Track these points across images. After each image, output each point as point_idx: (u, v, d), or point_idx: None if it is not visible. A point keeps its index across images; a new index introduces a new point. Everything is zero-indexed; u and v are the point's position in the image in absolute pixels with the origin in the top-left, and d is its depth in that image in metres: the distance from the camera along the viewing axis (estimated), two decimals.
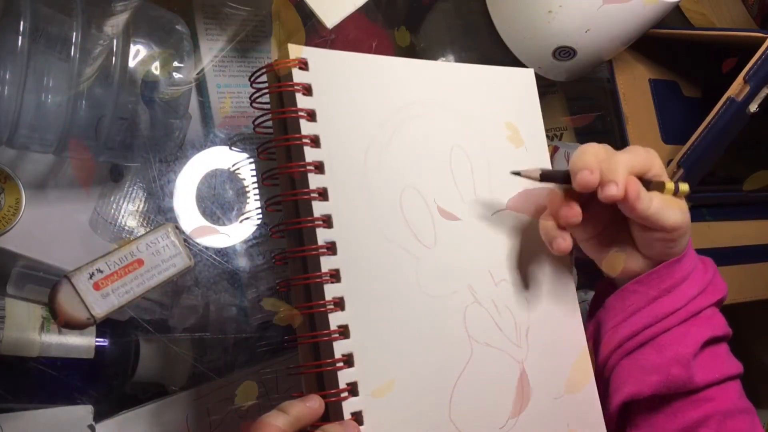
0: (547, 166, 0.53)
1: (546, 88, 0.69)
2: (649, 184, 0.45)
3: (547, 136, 0.65)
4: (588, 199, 0.45)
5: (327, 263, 0.41)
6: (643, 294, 0.48)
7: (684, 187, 0.46)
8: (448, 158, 0.47)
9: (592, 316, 0.52)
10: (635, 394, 0.47)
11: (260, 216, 0.55)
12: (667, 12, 0.60)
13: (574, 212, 0.44)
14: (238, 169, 0.55)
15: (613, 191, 0.43)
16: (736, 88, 0.59)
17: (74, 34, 0.43)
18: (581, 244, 0.49)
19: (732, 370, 0.48)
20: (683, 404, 0.47)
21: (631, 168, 0.44)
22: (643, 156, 0.45)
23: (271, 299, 0.42)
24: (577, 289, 0.52)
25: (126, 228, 0.52)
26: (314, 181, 0.41)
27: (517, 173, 0.46)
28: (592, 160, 0.43)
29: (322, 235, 0.41)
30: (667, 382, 0.46)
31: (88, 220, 0.52)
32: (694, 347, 0.46)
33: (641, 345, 0.47)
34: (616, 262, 0.48)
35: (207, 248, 0.54)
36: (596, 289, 0.54)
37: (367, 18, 0.61)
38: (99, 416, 0.51)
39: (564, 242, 0.45)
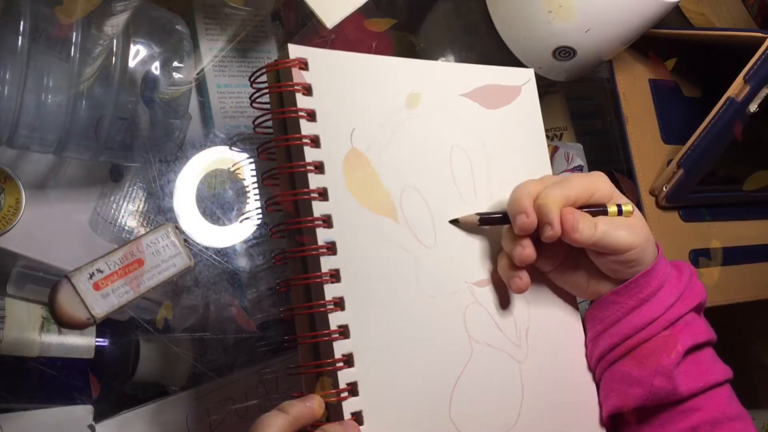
0: (547, 166, 0.53)
1: (546, 88, 0.69)
2: (592, 209, 0.45)
3: (547, 136, 0.65)
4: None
5: (327, 263, 0.41)
6: (621, 304, 0.47)
7: (627, 207, 0.46)
8: (448, 158, 0.47)
9: None
10: (620, 407, 0.47)
11: (260, 216, 0.55)
12: (667, 12, 0.60)
13: (527, 252, 0.44)
14: (238, 169, 0.55)
15: (549, 233, 0.43)
16: (736, 88, 0.59)
17: (74, 34, 0.43)
18: (548, 276, 0.49)
19: (718, 376, 0.47)
20: (670, 415, 0.46)
21: (565, 201, 0.44)
22: (582, 185, 0.45)
23: None
24: None
25: (126, 228, 0.52)
26: (314, 181, 0.41)
27: (455, 221, 0.46)
28: (527, 201, 0.44)
29: (322, 235, 0.41)
30: (651, 395, 0.46)
31: (88, 220, 0.52)
32: (676, 357, 0.45)
33: (622, 356, 0.47)
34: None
35: (207, 248, 0.54)
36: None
37: (367, 18, 0.61)
38: (99, 416, 0.51)
39: (521, 281, 0.45)
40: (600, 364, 0.49)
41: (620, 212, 0.46)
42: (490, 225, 0.47)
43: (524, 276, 0.45)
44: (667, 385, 0.45)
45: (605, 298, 0.48)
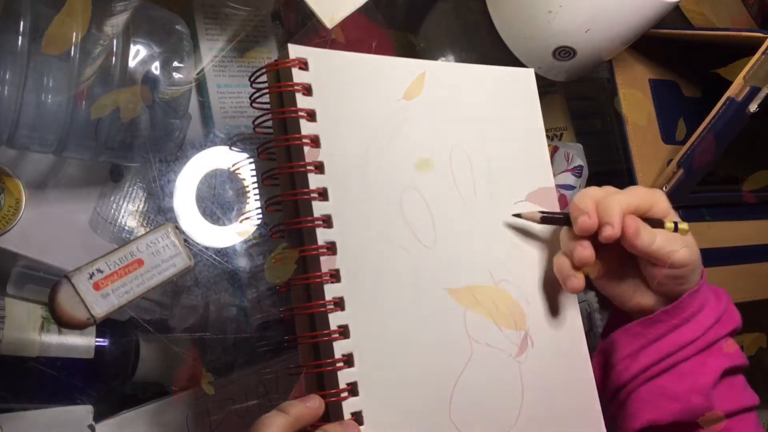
0: (547, 166, 0.53)
1: (546, 88, 0.69)
2: (650, 222, 0.46)
3: (547, 136, 0.65)
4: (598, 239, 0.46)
5: (327, 263, 0.41)
6: (665, 323, 0.48)
7: (684, 226, 0.47)
8: (448, 158, 0.47)
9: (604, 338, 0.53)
10: (655, 421, 0.48)
11: (260, 216, 0.55)
12: (667, 12, 0.60)
13: (588, 253, 0.45)
14: (238, 169, 0.55)
15: (608, 232, 0.44)
16: (736, 88, 0.59)
17: (74, 34, 0.43)
18: (594, 282, 0.50)
19: (749, 401, 0.48)
20: None
21: (627, 207, 0.45)
22: (643, 195, 0.47)
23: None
24: None
25: (126, 228, 0.52)
26: (314, 181, 0.41)
27: (518, 215, 0.48)
28: (590, 204, 0.45)
29: (322, 235, 0.41)
30: (687, 411, 0.46)
31: (88, 220, 0.52)
32: (713, 377, 0.47)
33: (662, 372, 0.48)
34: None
35: (207, 248, 0.54)
36: (610, 316, 0.55)
37: (367, 18, 0.61)
38: (99, 416, 0.51)
39: (577, 281, 0.46)
40: (638, 378, 0.49)
41: (676, 230, 0.46)
42: (552, 224, 0.48)
43: (581, 276, 0.46)
44: (704, 402, 0.46)
45: (654, 317, 0.48)
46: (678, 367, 0.47)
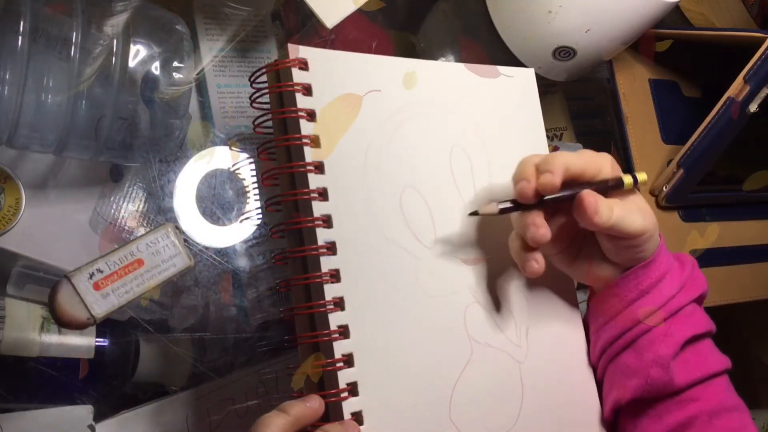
0: None
1: (546, 88, 0.69)
2: (607, 184, 0.44)
3: (547, 136, 0.65)
4: (551, 215, 0.45)
5: (327, 263, 0.41)
6: (621, 297, 0.47)
7: (642, 176, 0.45)
8: (448, 158, 0.47)
9: None
10: (618, 399, 0.47)
11: (260, 216, 0.55)
12: (667, 12, 0.60)
13: (541, 232, 0.42)
14: (238, 169, 0.55)
15: (547, 179, 0.42)
16: (736, 88, 0.59)
17: (74, 34, 0.43)
18: (550, 259, 0.48)
19: (716, 366, 0.47)
20: (668, 406, 0.46)
21: (570, 164, 0.43)
22: (589, 157, 0.45)
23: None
24: (577, 289, 0.52)
25: (126, 228, 0.52)
26: (314, 181, 0.41)
27: (475, 213, 0.45)
28: (530, 170, 0.43)
29: (322, 235, 0.41)
30: (647, 386, 0.46)
31: (88, 220, 0.52)
32: (674, 348, 0.45)
33: (623, 349, 0.47)
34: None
35: (207, 248, 0.54)
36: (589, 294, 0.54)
37: (367, 18, 0.61)
38: (99, 416, 0.51)
39: (537, 265, 0.43)
40: (603, 358, 0.49)
41: (636, 182, 0.45)
42: (511, 212, 0.45)
43: (539, 258, 0.44)
44: (663, 375, 0.45)
45: (604, 292, 0.48)
46: (638, 341, 0.46)
